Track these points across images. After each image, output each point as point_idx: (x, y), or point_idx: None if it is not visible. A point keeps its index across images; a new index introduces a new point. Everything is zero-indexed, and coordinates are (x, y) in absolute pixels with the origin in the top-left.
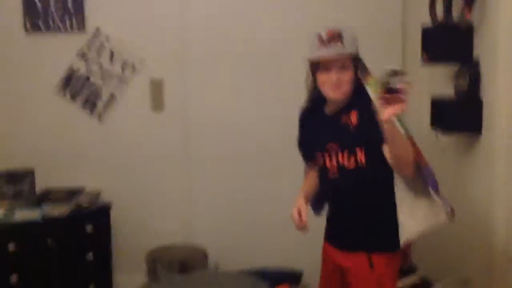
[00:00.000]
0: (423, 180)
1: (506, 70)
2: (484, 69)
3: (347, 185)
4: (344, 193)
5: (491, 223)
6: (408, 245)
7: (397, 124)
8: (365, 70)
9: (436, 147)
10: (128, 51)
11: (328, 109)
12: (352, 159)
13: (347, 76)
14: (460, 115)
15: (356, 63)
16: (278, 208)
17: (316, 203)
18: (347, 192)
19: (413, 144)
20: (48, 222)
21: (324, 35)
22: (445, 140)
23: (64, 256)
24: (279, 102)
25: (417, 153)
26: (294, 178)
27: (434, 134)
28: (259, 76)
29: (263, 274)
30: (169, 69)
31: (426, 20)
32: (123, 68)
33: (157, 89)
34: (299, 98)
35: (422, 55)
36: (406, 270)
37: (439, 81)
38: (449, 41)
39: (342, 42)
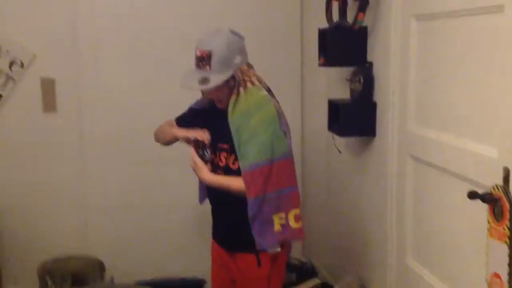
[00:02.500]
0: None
1: (397, 73)
2: (377, 71)
3: None
4: (223, 197)
5: (384, 220)
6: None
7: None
8: (239, 82)
9: (334, 148)
10: (16, 47)
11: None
12: (237, 163)
13: (222, 94)
14: (355, 118)
15: (230, 78)
16: (178, 216)
17: (199, 191)
18: (226, 196)
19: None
20: None
21: (197, 51)
22: (342, 142)
23: None
24: (178, 100)
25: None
26: (195, 187)
27: (331, 136)
28: (156, 74)
29: (163, 285)
30: (61, 68)
31: (324, 24)
32: (11, 66)
33: (48, 89)
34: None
35: (318, 59)
36: (307, 273)
37: (336, 84)
38: (344, 44)
39: (209, 65)
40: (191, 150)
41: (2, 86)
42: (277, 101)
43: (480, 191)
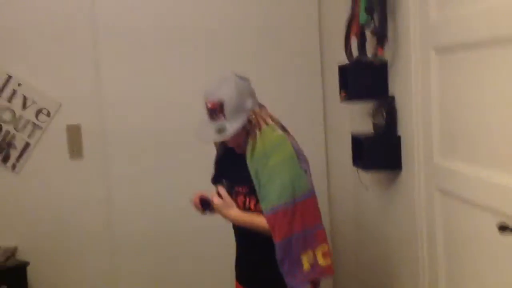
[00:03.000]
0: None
1: (420, 105)
2: (399, 105)
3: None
4: (249, 234)
5: (416, 258)
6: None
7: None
8: (254, 124)
9: (360, 184)
10: (42, 96)
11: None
12: (259, 205)
13: (240, 139)
14: (379, 152)
15: (246, 123)
16: (210, 259)
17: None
18: (253, 237)
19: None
20: None
21: (208, 104)
22: (368, 177)
23: None
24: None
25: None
26: (226, 226)
27: (356, 172)
28: (181, 118)
29: None
30: (86, 114)
31: (343, 59)
32: (37, 115)
33: (74, 135)
34: None
35: (340, 94)
36: None
37: (359, 118)
38: (365, 78)
39: (224, 115)
40: (220, 189)
41: (29, 135)
42: (294, 138)
43: (511, 224)
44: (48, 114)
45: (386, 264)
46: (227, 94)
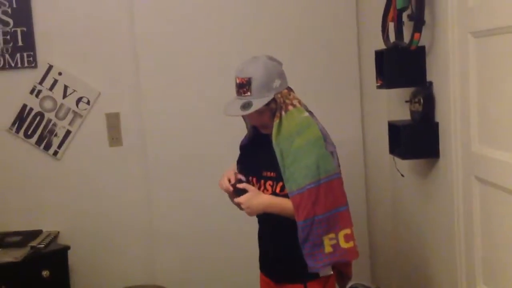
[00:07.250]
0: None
1: (458, 91)
2: (437, 91)
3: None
4: (274, 222)
5: (453, 246)
6: (344, 264)
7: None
8: (280, 106)
9: (396, 172)
10: (82, 85)
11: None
12: (285, 190)
13: (266, 118)
14: (416, 139)
15: (272, 102)
16: (246, 244)
17: None
18: (277, 221)
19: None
20: (1, 268)
21: (237, 79)
22: (405, 165)
23: None
24: (240, 130)
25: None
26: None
27: (393, 159)
28: (219, 101)
29: None
30: (125, 103)
31: (381, 46)
32: (77, 103)
33: (113, 123)
34: None
35: (376, 80)
36: None
37: (396, 105)
38: (401, 64)
39: (250, 91)
40: (239, 185)
41: (70, 122)
42: (319, 122)
43: None
44: (88, 102)
45: (424, 252)
46: (255, 71)
